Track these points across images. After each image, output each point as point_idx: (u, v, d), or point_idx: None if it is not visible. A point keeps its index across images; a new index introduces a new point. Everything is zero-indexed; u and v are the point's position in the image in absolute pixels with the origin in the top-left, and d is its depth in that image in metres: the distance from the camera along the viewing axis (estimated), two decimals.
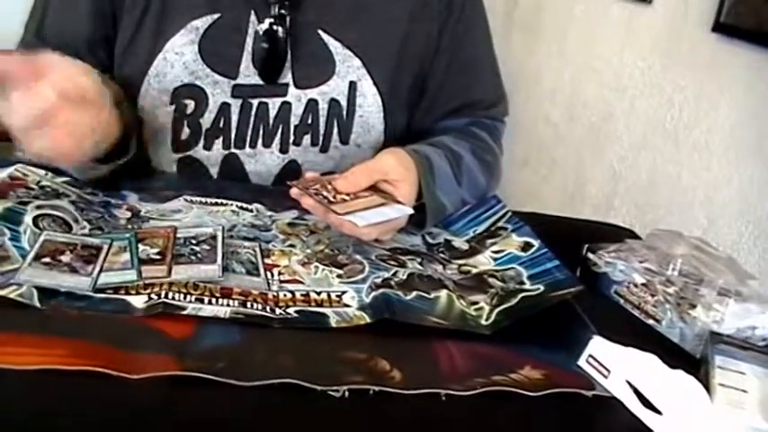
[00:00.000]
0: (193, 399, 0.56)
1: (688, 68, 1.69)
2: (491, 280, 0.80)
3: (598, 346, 0.67)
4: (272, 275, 0.74)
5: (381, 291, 0.73)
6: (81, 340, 0.59)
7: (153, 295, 0.66)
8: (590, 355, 0.67)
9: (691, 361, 0.72)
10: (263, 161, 0.98)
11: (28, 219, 0.74)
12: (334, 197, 0.80)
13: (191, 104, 0.94)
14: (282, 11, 0.92)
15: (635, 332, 0.77)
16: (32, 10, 0.95)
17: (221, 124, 0.95)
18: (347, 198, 0.80)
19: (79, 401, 0.54)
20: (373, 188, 0.83)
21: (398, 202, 0.82)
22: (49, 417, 0.52)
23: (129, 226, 0.80)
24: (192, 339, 0.62)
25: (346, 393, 0.58)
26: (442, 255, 0.86)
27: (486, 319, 0.72)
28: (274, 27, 0.92)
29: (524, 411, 0.61)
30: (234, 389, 0.57)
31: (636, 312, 0.80)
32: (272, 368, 0.59)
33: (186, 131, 0.95)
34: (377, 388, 0.59)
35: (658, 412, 0.62)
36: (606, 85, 1.97)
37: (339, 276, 0.76)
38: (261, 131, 0.97)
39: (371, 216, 0.78)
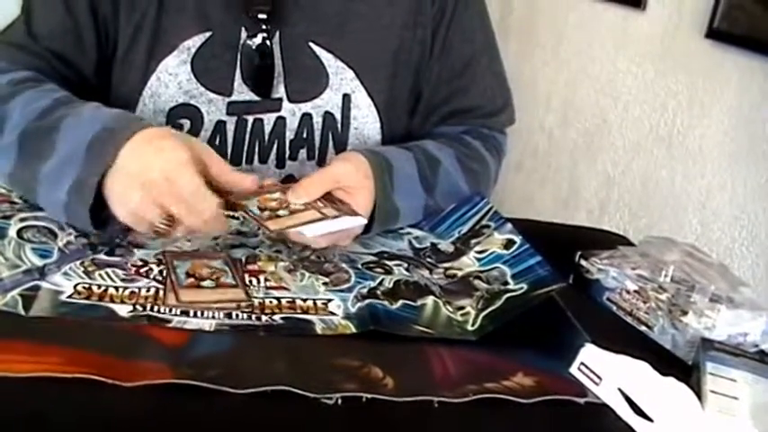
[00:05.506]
0: (187, 406, 0.56)
1: (682, 74, 1.70)
2: (476, 282, 0.80)
3: (590, 354, 0.67)
4: (259, 281, 0.74)
5: (367, 302, 0.73)
6: (75, 348, 0.59)
7: (138, 306, 0.67)
8: (582, 363, 0.67)
9: (682, 368, 0.72)
10: (260, 177, 0.97)
11: (12, 232, 0.74)
12: (275, 207, 0.77)
13: (186, 124, 0.92)
14: (271, 25, 0.91)
15: (627, 339, 0.77)
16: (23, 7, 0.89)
17: (217, 142, 0.94)
18: (284, 213, 0.76)
19: (73, 409, 0.54)
20: (329, 195, 0.79)
21: (353, 212, 0.79)
22: (43, 424, 0.52)
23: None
24: (185, 347, 0.62)
25: (339, 401, 0.58)
26: (428, 259, 0.86)
27: (473, 324, 0.72)
28: (265, 42, 0.90)
29: (517, 418, 0.62)
30: (227, 396, 0.57)
31: (628, 319, 0.81)
32: (266, 375, 0.59)
33: None
34: (370, 395, 0.59)
35: (650, 419, 0.62)
36: (600, 91, 1.98)
37: (325, 284, 0.76)
38: (257, 148, 0.96)
39: (308, 232, 0.75)
